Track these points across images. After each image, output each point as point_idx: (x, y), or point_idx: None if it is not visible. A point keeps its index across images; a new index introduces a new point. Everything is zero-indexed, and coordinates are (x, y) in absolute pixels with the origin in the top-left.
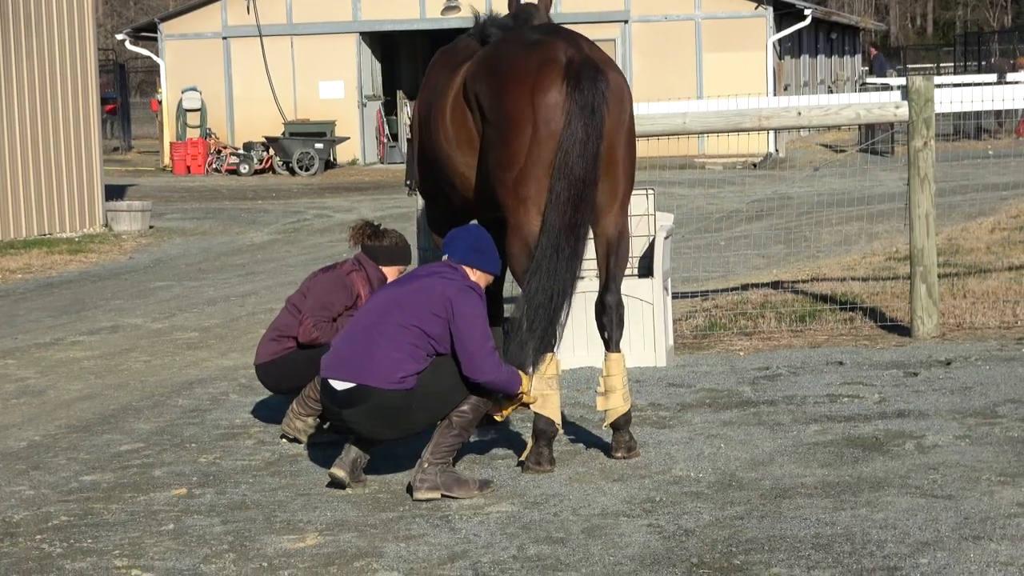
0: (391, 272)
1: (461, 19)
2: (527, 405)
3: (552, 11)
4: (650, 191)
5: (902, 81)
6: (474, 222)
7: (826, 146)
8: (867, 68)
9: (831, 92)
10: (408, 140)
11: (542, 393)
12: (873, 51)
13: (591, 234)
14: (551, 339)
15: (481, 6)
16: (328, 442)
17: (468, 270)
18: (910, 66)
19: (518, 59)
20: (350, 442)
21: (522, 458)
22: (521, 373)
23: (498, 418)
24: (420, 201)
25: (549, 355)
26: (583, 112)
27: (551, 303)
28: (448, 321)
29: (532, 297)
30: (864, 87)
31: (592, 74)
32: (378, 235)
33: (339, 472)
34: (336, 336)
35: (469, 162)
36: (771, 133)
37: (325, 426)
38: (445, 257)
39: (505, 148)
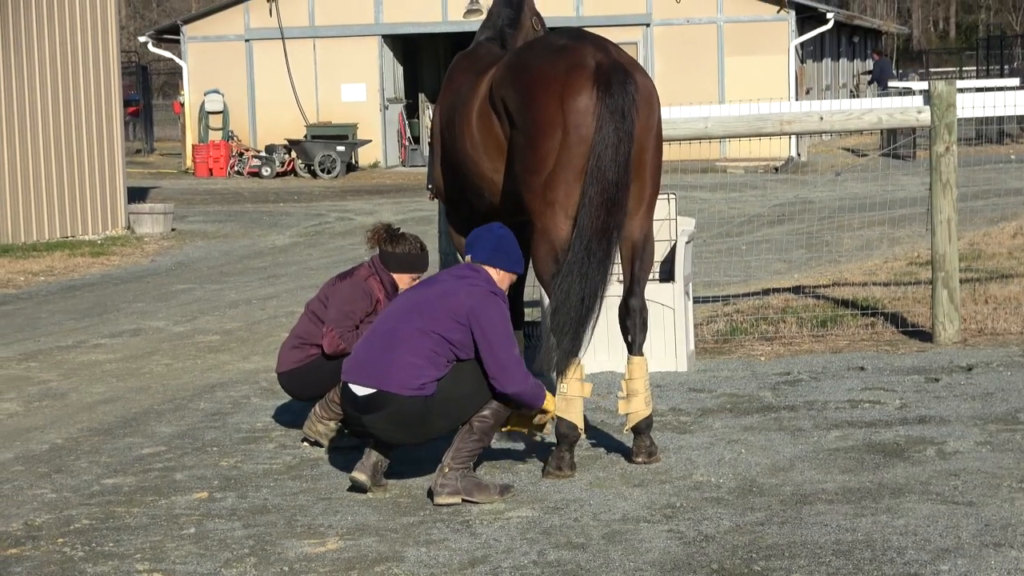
0: (403, 279)
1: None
2: (540, 428)
3: (574, 14)
4: (672, 195)
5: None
6: (496, 222)
7: (848, 150)
8: (868, 75)
9: (853, 96)
10: (429, 144)
11: (566, 399)
12: (876, 56)
13: None
14: (581, 342)
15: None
16: (349, 446)
17: (491, 270)
18: (932, 70)
19: (546, 64)
20: (370, 446)
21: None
22: (547, 391)
23: (504, 429)
24: (440, 205)
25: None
26: (614, 116)
27: (583, 306)
28: (470, 329)
29: (564, 300)
30: (886, 92)
31: (622, 78)
32: (394, 240)
33: (360, 476)
34: (358, 342)
35: (496, 167)
36: (793, 137)
37: (347, 431)
38: (468, 258)
39: (534, 152)
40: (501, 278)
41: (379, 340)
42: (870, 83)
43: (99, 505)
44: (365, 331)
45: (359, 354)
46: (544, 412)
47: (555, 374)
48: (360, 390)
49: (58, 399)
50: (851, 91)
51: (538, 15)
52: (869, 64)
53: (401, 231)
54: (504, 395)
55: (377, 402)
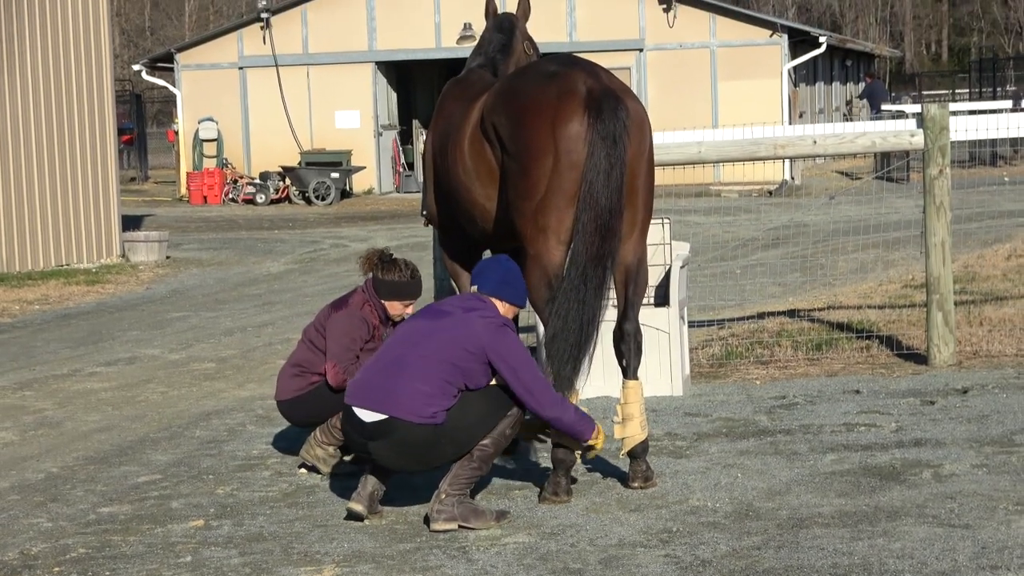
0: (394, 306)
1: None
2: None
3: (567, 39)
4: (666, 220)
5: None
6: (504, 255)
7: (842, 173)
8: (861, 97)
9: (846, 119)
10: (422, 170)
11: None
12: (869, 79)
13: None
14: (580, 369)
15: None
16: (346, 473)
17: (496, 302)
18: (925, 93)
19: (537, 90)
20: (367, 472)
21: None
22: (596, 428)
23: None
24: (435, 231)
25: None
26: (605, 142)
27: (582, 332)
28: (487, 362)
29: (562, 328)
30: (878, 115)
31: (613, 104)
32: (386, 267)
33: (357, 506)
34: (365, 366)
35: (489, 193)
36: (786, 161)
37: (347, 458)
38: (474, 288)
39: (525, 178)
40: (506, 311)
41: (386, 366)
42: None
43: (95, 534)
44: (366, 359)
45: (365, 379)
46: (591, 447)
47: None
48: (368, 415)
49: (53, 428)
50: (844, 115)
51: (530, 39)
52: (862, 87)
53: (393, 257)
54: (547, 420)
55: (385, 429)
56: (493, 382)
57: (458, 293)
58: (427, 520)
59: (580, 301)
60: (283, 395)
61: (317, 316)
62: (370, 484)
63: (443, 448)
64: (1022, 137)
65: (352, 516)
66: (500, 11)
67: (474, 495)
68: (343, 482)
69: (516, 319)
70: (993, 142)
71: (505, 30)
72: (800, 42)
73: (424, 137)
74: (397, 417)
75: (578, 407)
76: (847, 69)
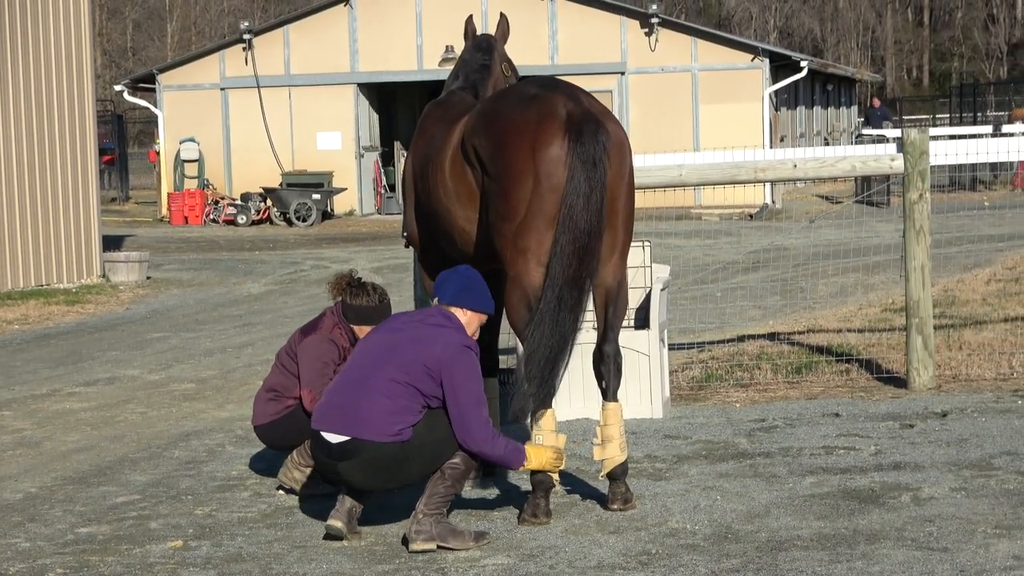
0: (362, 331)
1: None
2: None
3: (549, 62)
4: (646, 243)
5: (898, 133)
6: (463, 265)
7: (822, 197)
8: (863, 119)
9: (827, 143)
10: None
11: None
12: (876, 102)
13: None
14: (552, 391)
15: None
16: (324, 494)
17: (458, 312)
18: (906, 117)
19: (518, 113)
20: (344, 492)
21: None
22: (529, 451)
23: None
24: (415, 252)
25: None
26: (585, 165)
27: (552, 354)
28: (440, 381)
29: (536, 348)
30: (860, 139)
31: (593, 127)
32: (355, 292)
33: (336, 523)
34: (329, 388)
35: (469, 216)
36: (767, 184)
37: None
38: (435, 301)
39: (505, 201)
40: (469, 319)
41: (350, 387)
42: (865, 126)
43: (73, 554)
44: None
45: (330, 401)
46: (543, 471)
47: (528, 422)
48: (334, 437)
49: (32, 448)
50: (825, 139)
51: (509, 61)
52: (854, 112)
53: (362, 281)
54: (469, 451)
55: (351, 449)
56: None
57: None
58: (405, 540)
59: (555, 323)
60: (259, 420)
61: (289, 341)
62: (348, 501)
63: (411, 465)
64: (1002, 162)
65: (331, 533)
66: (479, 32)
67: (453, 516)
68: (321, 503)
69: (495, 343)
70: (973, 167)
71: (484, 51)
72: (781, 66)
73: (405, 159)
74: (361, 437)
75: (508, 441)
76: (828, 93)
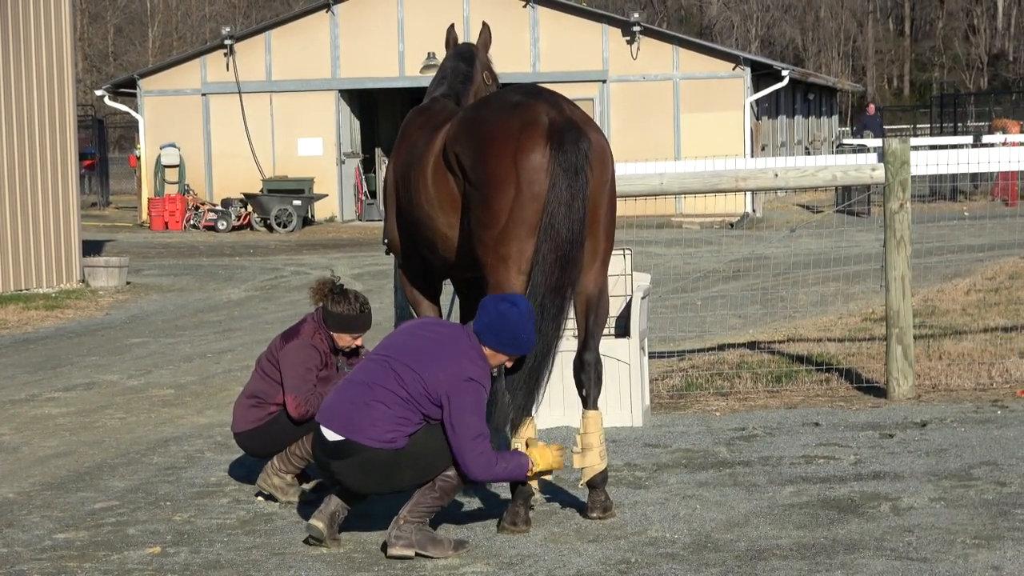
0: (343, 338)
1: None
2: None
3: (530, 70)
4: (627, 251)
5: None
6: (516, 294)
7: (803, 206)
8: (854, 127)
9: (808, 152)
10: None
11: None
12: (872, 109)
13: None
14: (535, 398)
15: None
16: (303, 501)
17: (483, 346)
18: (886, 127)
19: (500, 121)
20: (332, 493)
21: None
22: (533, 454)
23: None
24: (395, 259)
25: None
26: (567, 173)
27: (535, 363)
28: (440, 407)
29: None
30: (840, 148)
31: (575, 135)
32: (336, 299)
33: (318, 523)
34: (336, 384)
35: (451, 222)
36: (748, 193)
37: (306, 486)
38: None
39: (486, 208)
40: (490, 354)
41: (355, 390)
42: (857, 135)
43: (51, 560)
44: (322, 387)
45: (335, 400)
46: (544, 473)
47: (509, 430)
48: (331, 435)
49: (10, 453)
50: (806, 148)
51: (490, 70)
52: (835, 121)
53: (345, 289)
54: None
55: (346, 450)
56: None
57: None
58: (384, 547)
59: (537, 331)
60: (240, 426)
61: (269, 346)
62: (333, 504)
63: (403, 472)
64: (982, 173)
65: (312, 534)
66: (461, 41)
67: (434, 524)
68: (301, 510)
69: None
70: (954, 177)
71: (466, 60)
72: (763, 75)
73: (387, 165)
74: (355, 440)
75: (508, 460)
76: (809, 103)
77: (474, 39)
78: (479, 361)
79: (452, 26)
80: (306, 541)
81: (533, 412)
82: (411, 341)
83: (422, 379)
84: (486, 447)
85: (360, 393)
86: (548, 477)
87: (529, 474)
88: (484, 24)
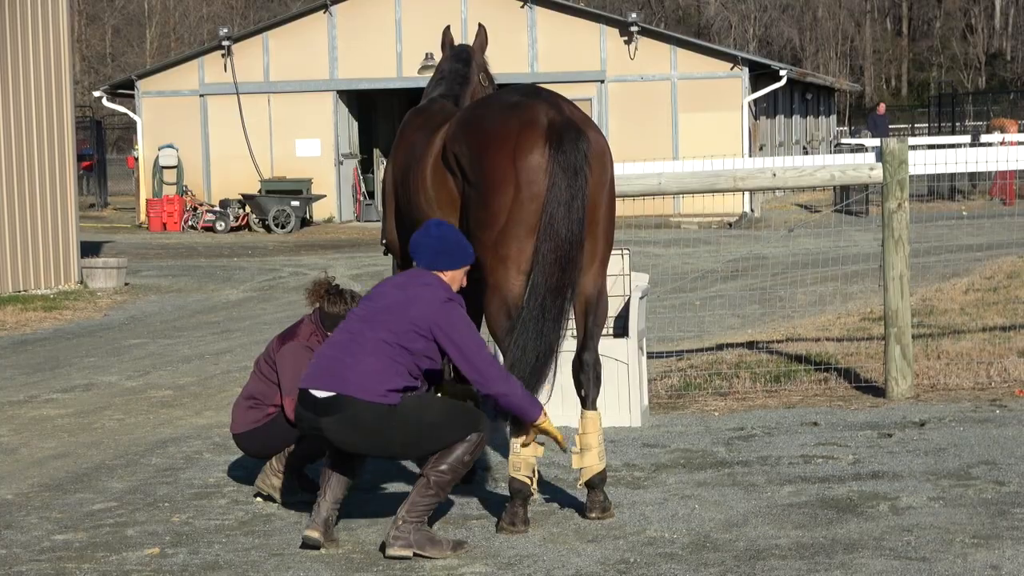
0: None
1: None
2: (557, 442)
3: (528, 70)
4: (625, 251)
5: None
6: (433, 219)
7: (801, 206)
8: (850, 128)
9: (806, 152)
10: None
11: (520, 457)
12: (882, 108)
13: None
14: (537, 398)
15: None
16: (302, 501)
17: (440, 274)
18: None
19: (499, 121)
20: (320, 497)
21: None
22: (543, 409)
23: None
24: (393, 260)
25: None
26: (567, 173)
27: (538, 363)
28: (433, 339)
29: (520, 358)
30: (839, 148)
31: (574, 135)
32: (333, 299)
33: (313, 533)
34: (320, 347)
35: (450, 222)
36: (746, 193)
37: (294, 487)
38: (415, 264)
39: (485, 209)
40: (452, 278)
41: (339, 346)
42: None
43: (49, 561)
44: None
45: (319, 361)
46: (539, 427)
47: (508, 431)
48: (321, 393)
49: (9, 454)
50: (804, 148)
51: (487, 71)
52: (832, 121)
53: (341, 289)
54: (493, 397)
55: (336, 405)
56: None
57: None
58: (383, 546)
59: (538, 332)
60: (238, 427)
61: (267, 348)
62: (324, 510)
63: (393, 435)
64: (980, 172)
65: (308, 543)
66: (458, 43)
67: (432, 523)
68: (299, 511)
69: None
70: (952, 177)
71: (463, 61)
72: (761, 75)
73: (385, 166)
74: (346, 394)
75: (520, 385)
76: (807, 102)
77: (472, 40)
78: (448, 287)
79: (448, 28)
80: (303, 547)
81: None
82: (381, 298)
83: (405, 315)
84: (492, 357)
85: (344, 349)
86: (537, 454)
87: (540, 420)
88: (480, 26)
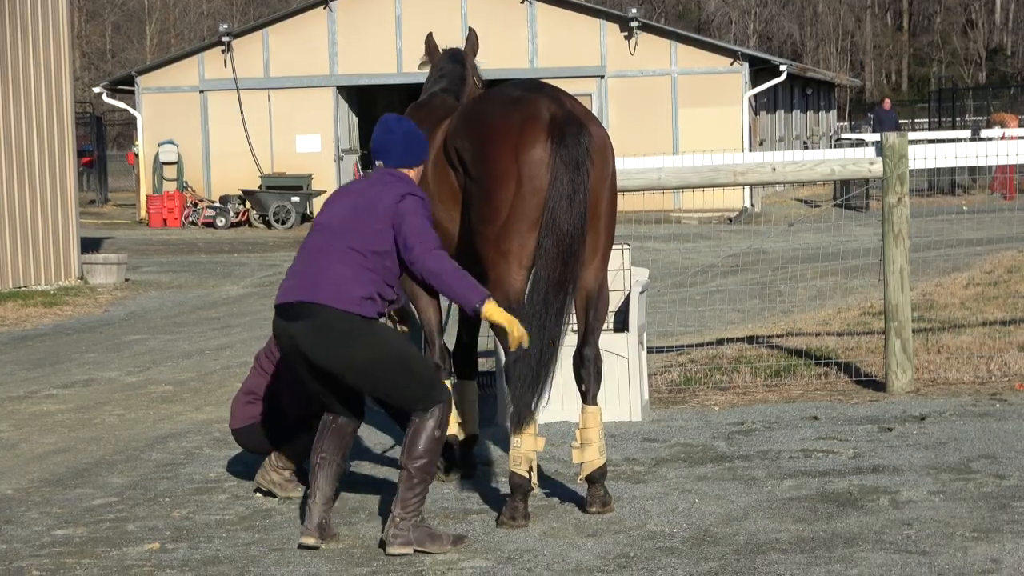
0: None
1: None
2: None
3: (528, 65)
4: (625, 246)
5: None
6: (389, 115)
7: (801, 201)
8: (845, 124)
9: (806, 147)
10: None
11: (520, 452)
12: (887, 103)
13: None
14: (540, 393)
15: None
16: (302, 496)
17: (407, 171)
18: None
19: (501, 115)
20: (311, 501)
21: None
22: (489, 297)
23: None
24: None
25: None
26: (568, 167)
27: (542, 357)
28: (391, 236)
29: (523, 352)
30: (839, 143)
31: (576, 129)
32: None
33: (309, 540)
34: (291, 265)
35: (451, 216)
36: (746, 188)
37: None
38: (379, 163)
39: (488, 203)
40: (418, 171)
41: (308, 256)
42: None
43: (50, 556)
44: None
45: (288, 282)
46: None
47: (510, 425)
48: (292, 299)
49: (9, 449)
50: (804, 143)
51: (478, 74)
52: (832, 116)
53: None
54: (425, 275)
55: (307, 312)
56: None
57: (417, 317)
58: (383, 544)
59: (541, 326)
60: (237, 422)
61: (268, 343)
62: (316, 514)
63: (357, 348)
64: (980, 166)
65: (305, 549)
66: (442, 48)
67: (430, 518)
68: (299, 506)
69: (474, 344)
70: (952, 171)
71: (459, 62)
72: (761, 70)
73: None
74: (317, 301)
75: (460, 269)
76: (807, 98)
77: (468, 36)
78: (412, 183)
79: (430, 35)
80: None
81: (539, 408)
82: (345, 203)
83: (370, 219)
84: (439, 246)
85: (314, 260)
86: (537, 448)
87: (485, 309)
88: (471, 30)
